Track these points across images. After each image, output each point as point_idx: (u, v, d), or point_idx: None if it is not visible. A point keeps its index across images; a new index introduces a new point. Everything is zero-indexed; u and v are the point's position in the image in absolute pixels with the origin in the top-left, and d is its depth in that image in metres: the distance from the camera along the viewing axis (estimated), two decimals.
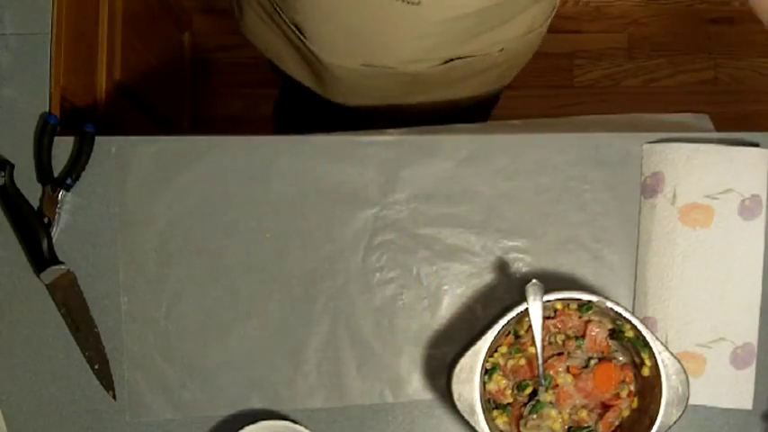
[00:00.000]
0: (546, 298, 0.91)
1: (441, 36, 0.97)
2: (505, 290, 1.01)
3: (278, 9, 1.05)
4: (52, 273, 0.99)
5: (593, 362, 0.94)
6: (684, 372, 0.90)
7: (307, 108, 1.94)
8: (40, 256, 0.99)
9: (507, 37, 1.06)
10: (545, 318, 0.93)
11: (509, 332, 0.94)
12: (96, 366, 0.98)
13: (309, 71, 1.16)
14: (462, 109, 1.26)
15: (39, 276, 0.99)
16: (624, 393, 0.94)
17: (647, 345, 0.91)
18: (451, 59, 1.04)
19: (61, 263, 0.99)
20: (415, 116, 1.22)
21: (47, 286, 0.99)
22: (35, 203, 1.01)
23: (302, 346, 1.00)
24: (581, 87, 2.08)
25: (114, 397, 0.98)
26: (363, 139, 1.03)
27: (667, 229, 1.00)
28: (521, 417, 0.93)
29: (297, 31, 1.04)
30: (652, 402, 0.91)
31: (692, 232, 1.00)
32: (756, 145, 1.02)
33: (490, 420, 0.90)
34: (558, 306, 0.94)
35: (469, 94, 1.21)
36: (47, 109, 1.04)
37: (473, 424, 0.89)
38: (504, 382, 0.94)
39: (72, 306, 0.99)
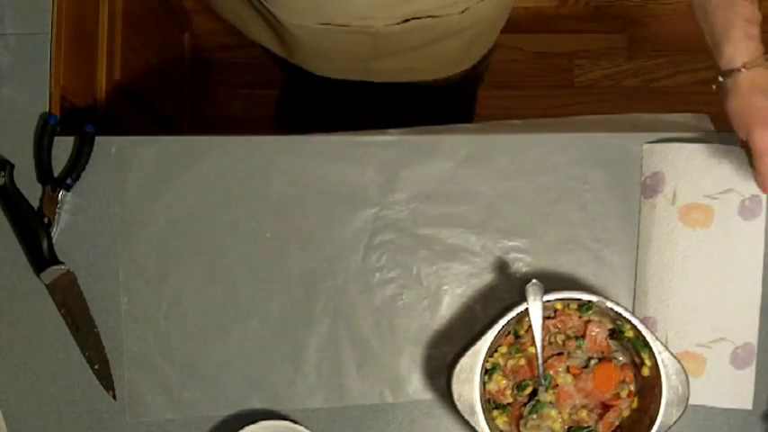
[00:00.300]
0: (546, 298, 0.91)
1: None
2: (505, 290, 1.01)
3: None
4: (52, 273, 0.99)
5: (593, 362, 0.95)
6: (684, 372, 0.90)
7: (307, 105, 1.94)
8: (40, 256, 0.99)
9: None
10: (545, 318, 0.93)
11: (509, 332, 0.94)
12: (96, 366, 0.98)
13: (274, 35, 1.15)
14: (438, 91, 1.24)
15: (39, 276, 0.99)
16: (624, 393, 0.94)
17: (647, 345, 0.91)
18: (409, 19, 1.03)
19: (61, 263, 0.99)
20: (388, 93, 1.20)
21: (47, 286, 0.99)
22: (35, 203, 1.01)
23: (302, 346, 1.00)
24: (581, 87, 2.08)
25: (114, 397, 0.98)
26: (363, 140, 1.03)
27: (667, 229, 1.00)
28: (521, 417, 0.93)
29: None
30: (652, 402, 0.91)
31: (692, 232, 1.00)
32: None
33: (490, 420, 0.90)
34: (558, 306, 0.94)
35: (437, 65, 1.19)
36: (47, 109, 1.04)
37: (473, 424, 0.89)
38: (504, 382, 0.94)
39: (72, 306, 0.99)
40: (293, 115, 1.96)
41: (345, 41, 1.08)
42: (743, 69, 0.91)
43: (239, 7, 1.14)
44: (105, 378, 0.98)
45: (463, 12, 1.05)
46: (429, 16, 1.03)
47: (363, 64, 1.17)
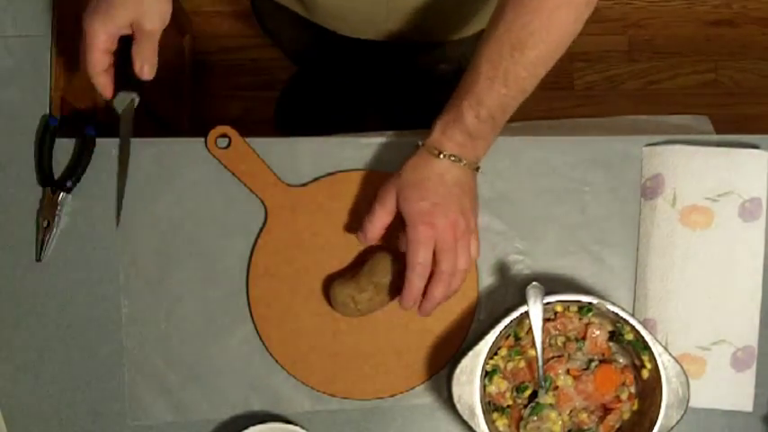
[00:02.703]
0: (546, 300, 0.91)
1: None
2: (506, 292, 1.01)
3: None
4: (123, 99, 0.97)
5: (593, 364, 0.95)
6: (685, 374, 0.90)
7: (307, 106, 1.93)
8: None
9: None
10: (545, 320, 0.93)
11: (509, 334, 0.94)
12: None
13: None
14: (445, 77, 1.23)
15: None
16: (624, 396, 0.94)
17: (647, 347, 0.91)
18: None
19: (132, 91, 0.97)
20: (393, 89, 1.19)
21: (119, 115, 0.98)
22: (35, 206, 1.01)
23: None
24: (581, 90, 2.08)
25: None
26: (363, 141, 1.03)
27: (667, 231, 1.00)
28: (520, 419, 0.93)
29: None
30: (652, 405, 0.91)
31: (692, 234, 1.00)
32: (756, 147, 1.02)
33: (490, 423, 0.90)
34: (559, 308, 0.94)
35: (452, 22, 1.18)
36: (47, 111, 1.04)
37: (473, 426, 0.89)
38: (505, 384, 0.94)
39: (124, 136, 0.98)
40: (293, 116, 1.96)
41: (362, 2, 1.07)
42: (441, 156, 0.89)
43: None
44: None
45: None
46: None
47: (381, 24, 1.16)
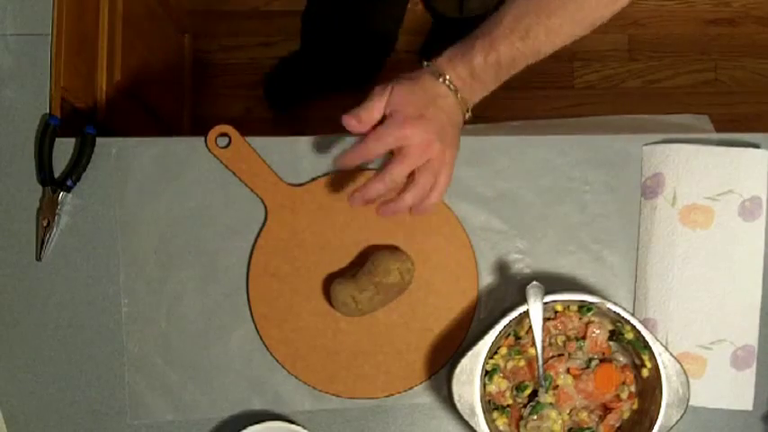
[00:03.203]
0: (546, 299, 0.91)
1: None
2: (506, 291, 1.01)
3: None
4: None
5: (593, 363, 0.95)
6: (685, 373, 0.90)
7: (298, 81, 1.92)
8: None
9: None
10: (545, 319, 0.93)
11: (509, 334, 0.94)
12: None
13: None
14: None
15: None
16: (624, 395, 0.94)
17: (647, 346, 0.91)
18: None
19: None
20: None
21: None
22: (35, 205, 1.01)
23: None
24: (581, 89, 2.08)
25: None
26: None
27: (667, 231, 1.00)
28: (520, 418, 0.93)
29: None
30: (652, 404, 0.91)
31: (693, 233, 1.00)
32: (757, 146, 1.02)
33: (490, 422, 0.90)
34: (559, 307, 0.94)
35: None
36: (47, 110, 1.04)
37: (473, 425, 0.89)
38: (505, 383, 0.94)
39: None
40: (283, 89, 1.96)
41: None
42: (444, 80, 0.89)
43: None
44: None
45: None
46: None
47: None
